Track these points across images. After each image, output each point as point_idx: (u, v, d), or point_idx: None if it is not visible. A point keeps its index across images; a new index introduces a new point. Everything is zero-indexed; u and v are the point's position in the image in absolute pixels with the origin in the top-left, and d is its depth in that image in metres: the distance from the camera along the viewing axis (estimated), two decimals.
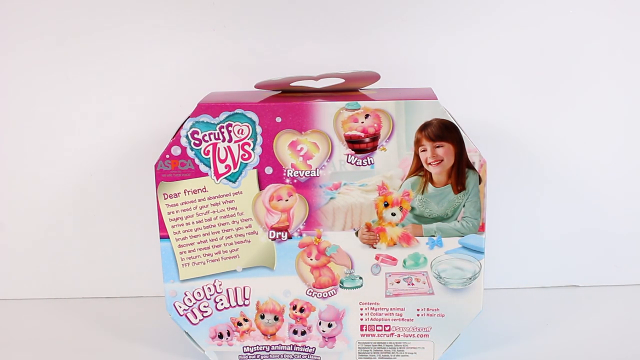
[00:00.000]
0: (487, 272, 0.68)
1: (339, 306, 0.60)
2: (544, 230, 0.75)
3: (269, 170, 0.58)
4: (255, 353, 0.62)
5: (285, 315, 0.60)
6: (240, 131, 0.57)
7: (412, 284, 0.59)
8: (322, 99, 0.57)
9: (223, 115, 0.57)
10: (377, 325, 0.60)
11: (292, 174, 0.58)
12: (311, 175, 0.58)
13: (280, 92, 0.61)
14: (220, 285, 0.60)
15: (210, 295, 0.60)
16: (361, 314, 0.60)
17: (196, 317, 0.61)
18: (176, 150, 0.57)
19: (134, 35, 0.71)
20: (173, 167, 0.58)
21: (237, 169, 0.58)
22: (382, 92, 0.60)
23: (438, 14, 0.71)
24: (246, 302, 0.60)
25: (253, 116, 0.57)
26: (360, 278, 0.59)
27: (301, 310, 0.60)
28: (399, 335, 0.60)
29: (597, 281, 0.76)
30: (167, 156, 0.57)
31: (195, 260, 0.59)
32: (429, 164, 0.57)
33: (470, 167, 0.57)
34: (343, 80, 0.60)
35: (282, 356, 0.62)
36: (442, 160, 0.57)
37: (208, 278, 0.60)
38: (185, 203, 0.58)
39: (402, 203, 0.58)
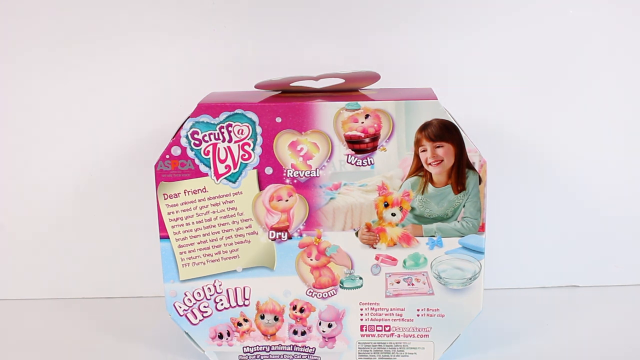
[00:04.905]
0: (487, 272, 0.68)
1: (339, 306, 0.60)
2: (543, 230, 0.75)
3: (269, 170, 0.57)
4: (255, 353, 0.62)
5: (285, 315, 0.60)
6: (240, 131, 0.57)
7: (412, 284, 0.59)
8: (322, 99, 0.57)
9: (223, 116, 0.57)
10: (377, 326, 0.60)
11: (292, 174, 0.58)
12: (311, 175, 0.58)
13: (280, 92, 0.61)
14: (220, 285, 0.60)
15: (210, 295, 0.60)
16: (361, 314, 0.60)
17: (196, 318, 0.61)
18: (176, 151, 0.57)
19: (134, 36, 0.71)
20: (173, 167, 0.58)
21: (237, 169, 0.58)
22: (382, 92, 0.60)
23: (438, 14, 0.71)
24: (246, 302, 0.60)
25: (253, 116, 0.57)
26: (360, 278, 0.59)
27: (301, 310, 0.60)
28: (399, 336, 0.60)
29: (597, 281, 0.76)
30: (167, 156, 0.57)
31: (195, 261, 0.59)
32: (429, 164, 0.57)
33: (470, 167, 0.57)
34: (343, 80, 0.60)
35: (282, 356, 0.62)
36: (442, 161, 0.57)
37: (208, 278, 0.60)
38: (185, 203, 0.58)
39: (402, 203, 0.58)
